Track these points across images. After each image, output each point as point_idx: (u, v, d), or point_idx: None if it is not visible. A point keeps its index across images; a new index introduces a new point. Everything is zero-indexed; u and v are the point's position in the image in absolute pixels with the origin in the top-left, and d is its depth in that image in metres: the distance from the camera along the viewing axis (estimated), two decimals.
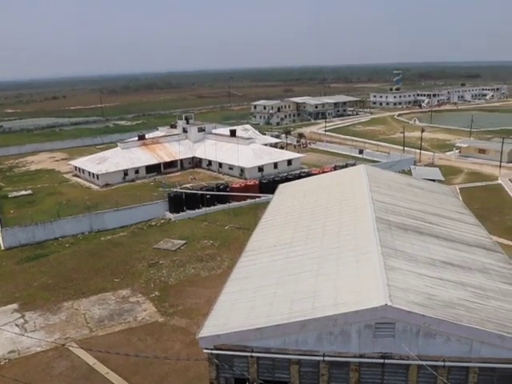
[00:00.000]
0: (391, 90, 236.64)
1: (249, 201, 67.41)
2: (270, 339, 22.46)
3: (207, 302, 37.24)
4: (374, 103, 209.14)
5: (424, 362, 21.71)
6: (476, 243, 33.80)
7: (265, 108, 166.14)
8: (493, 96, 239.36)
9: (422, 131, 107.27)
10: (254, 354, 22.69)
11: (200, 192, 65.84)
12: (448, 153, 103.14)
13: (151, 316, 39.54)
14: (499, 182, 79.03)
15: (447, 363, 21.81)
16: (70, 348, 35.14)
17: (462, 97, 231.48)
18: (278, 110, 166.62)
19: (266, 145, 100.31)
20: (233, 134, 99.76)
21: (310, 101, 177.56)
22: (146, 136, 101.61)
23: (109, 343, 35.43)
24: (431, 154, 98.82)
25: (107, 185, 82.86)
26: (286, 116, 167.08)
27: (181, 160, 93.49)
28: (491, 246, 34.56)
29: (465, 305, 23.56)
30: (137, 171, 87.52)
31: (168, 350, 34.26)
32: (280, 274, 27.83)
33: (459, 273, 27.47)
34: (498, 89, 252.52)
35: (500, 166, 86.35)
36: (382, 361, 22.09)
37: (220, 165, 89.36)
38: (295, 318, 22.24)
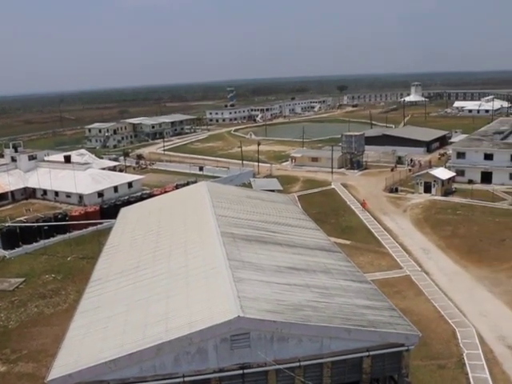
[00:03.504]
0: (226, 106, 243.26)
1: (90, 228, 64.69)
2: (126, 369, 21.53)
3: (55, 341, 34.69)
4: (211, 120, 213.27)
5: (281, 366, 22.36)
6: (317, 246, 35.77)
7: (100, 131, 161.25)
8: (320, 108, 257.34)
9: (259, 144, 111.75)
10: None
11: (36, 224, 61.70)
12: (284, 163, 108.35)
13: None
14: (332, 186, 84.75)
15: (302, 363, 22.73)
16: None
17: (292, 110, 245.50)
18: (115, 132, 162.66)
19: (104, 169, 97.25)
20: (67, 159, 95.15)
21: (147, 121, 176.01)
22: None
23: None
24: (269, 165, 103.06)
25: None
26: (123, 138, 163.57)
27: (11, 192, 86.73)
28: (330, 247, 36.86)
29: (312, 305, 24.73)
30: None
31: None
32: (130, 301, 26.92)
33: (304, 276, 28.80)
34: (324, 101, 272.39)
35: (332, 172, 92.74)
36: (241, 371, 22.33)
37: (56, 193, 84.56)
38: (150, 344, 21.59)
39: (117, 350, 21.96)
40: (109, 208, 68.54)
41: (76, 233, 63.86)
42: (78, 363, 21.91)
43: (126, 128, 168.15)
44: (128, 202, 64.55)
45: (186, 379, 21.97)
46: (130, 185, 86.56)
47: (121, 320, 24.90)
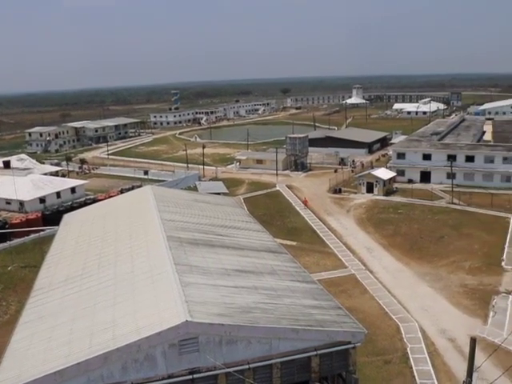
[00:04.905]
0: (170, 109, 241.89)
1: (32, 236, 62.89)
2: (73, 380, 21.02)
3: None
4: (155, 123, 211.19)
5: (230, 369, 22.40)
6: (263, 248, 36.07)
7: (41, 135, 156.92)
8: (264, 110, 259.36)
9: (204, 147, 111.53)
10: None
11: None
12: (229, 166, 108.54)
13: None
14: (277, 188, 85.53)
15: (252, 365, 22.83)
16: None
17: (237, 112, 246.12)
18: (56, 136, 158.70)
19: (45, 174, 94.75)
20: (7, 165, 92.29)
21: (90, 125, 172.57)
22: None
23: None
24: (214, 168, 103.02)
25: None
26: (65, 142, 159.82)
27: None
28: (277, 248, 37.24)
29: (260, 307, 24.95)
30: None
31: None
32: (75, 309, 26.36)
33: (251, 278, 29.01)
34: (268, 103, 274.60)
35: (277, 174, 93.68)
36: (190, 377, 22.22)
37: None
38: (97, 352, 21.21)
39: (62, 360, 21.46)
40: (51, 214, 67.12)
41: (17, 241, 61.93)
42: (21, 377, 21.25)
43: (68, 132, 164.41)
44: (71, 208, 63.30)
45: None
46: (73, 190, 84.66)
47: (66, 329, 24.35)
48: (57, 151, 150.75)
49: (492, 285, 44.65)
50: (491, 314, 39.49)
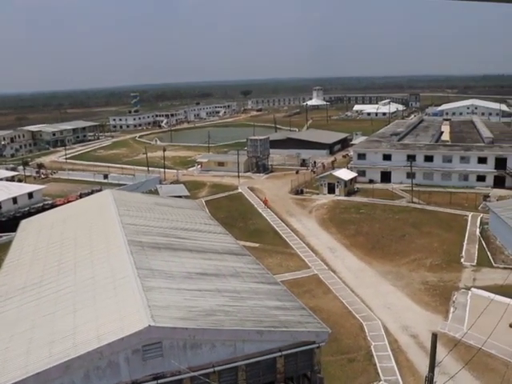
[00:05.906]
0: (130, 112, 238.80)
1: None
2: None
3: None
4: (115, 126, 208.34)
5: (195, 373, 22.18)
6: (226, 250, 35.91)
7: None
8: (225, 113, 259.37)
9: (164, 150, 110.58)
10: None
11: None
12: (190, 169, 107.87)
13: None
14: (239, 190, 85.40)
15: (217, 368, 22.71)
16: None
17: (198, 115, 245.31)
18: (12, 140, 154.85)
19: (1, 179, 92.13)
20: None
21: (47, 128, 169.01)
22: None
23: None
24: (175, 171, 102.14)
25: None
26: (21, 146, 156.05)
27: None
28: (239, 250, 37.15)
29: (224, 310, 24.80)
30: None
31: None
32: (34, 317, 25.61)
33: (214, 281, 28.82)
34: (229, 106, 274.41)
35: (238, 176, 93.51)
36: (155, 382, 21.94)
37: None
38: (57, 361, 20.63)
39: (20, 371, 20.78)
40: (8, 221, 65.73)
41: None
42: None
43: (24, 136, 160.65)
44: (29, 214, 61.78)
45: None
46: (30, 195, 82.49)
47: (24, 339, 23.61)
48: (12, 156, 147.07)
49: (452, 281, 45.58)
50: (452, 309, 40.29)
